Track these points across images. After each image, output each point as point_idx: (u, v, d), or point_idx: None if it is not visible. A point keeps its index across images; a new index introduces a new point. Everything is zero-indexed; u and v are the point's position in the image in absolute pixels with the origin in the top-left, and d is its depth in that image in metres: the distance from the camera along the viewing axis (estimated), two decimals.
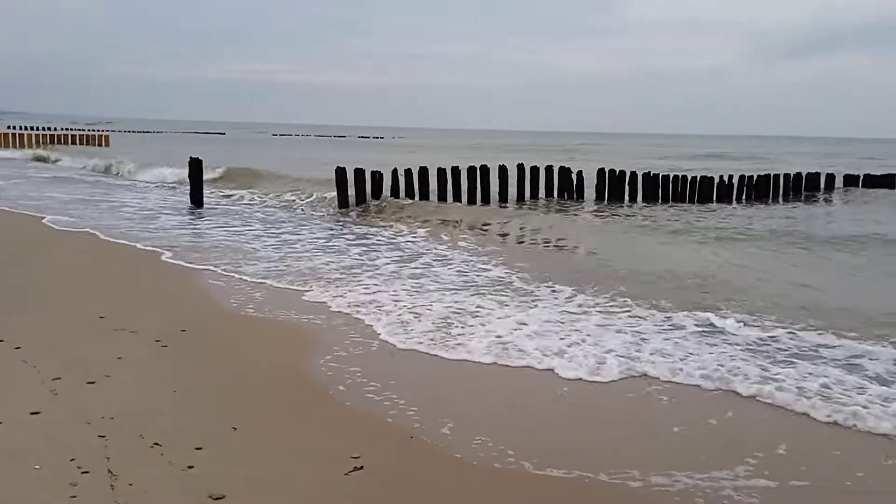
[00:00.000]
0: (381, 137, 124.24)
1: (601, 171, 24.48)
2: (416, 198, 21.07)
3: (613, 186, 24.20)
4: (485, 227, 17.51)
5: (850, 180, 31.71)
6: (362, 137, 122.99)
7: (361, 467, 4.91)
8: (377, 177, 20.81)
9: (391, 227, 17.34)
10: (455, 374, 7.10)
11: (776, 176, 27.72)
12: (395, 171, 21.24)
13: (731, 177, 26.29)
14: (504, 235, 16.70)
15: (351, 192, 20.52)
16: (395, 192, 21.13)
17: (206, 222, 17.57)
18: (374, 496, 4.60)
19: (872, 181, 31.64)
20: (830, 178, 30.25)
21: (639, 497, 4.73)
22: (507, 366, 7.23)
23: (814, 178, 29.26)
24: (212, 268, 11.57)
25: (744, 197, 26.05)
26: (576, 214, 21.27)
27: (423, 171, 21.53)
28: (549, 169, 23.97)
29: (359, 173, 20.72)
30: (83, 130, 76.64)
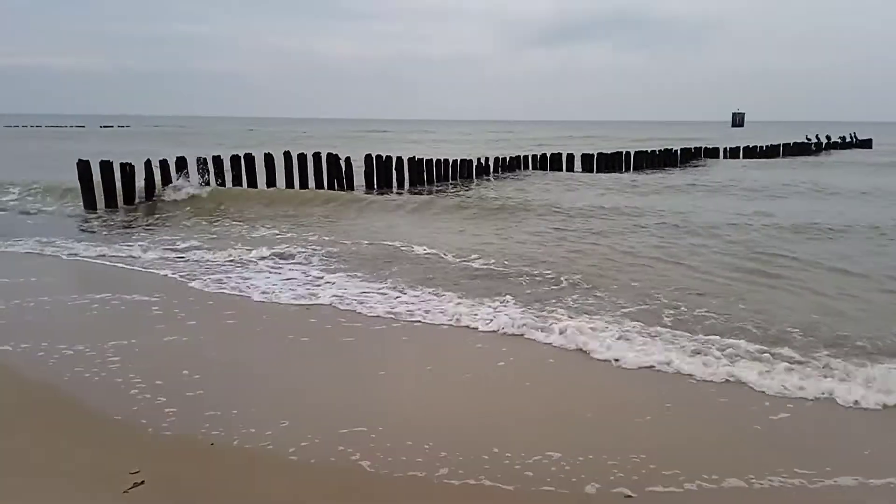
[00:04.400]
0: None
1: (368, 157, 24.80)
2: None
3: (381, 172, 24.63)
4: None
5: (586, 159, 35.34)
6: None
7: (142, 482, 4.60)
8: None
9: None
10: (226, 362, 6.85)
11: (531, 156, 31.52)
12: None
13: (487, 158, 29.04)
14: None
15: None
16: None
17: None
18: None
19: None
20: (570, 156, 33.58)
21: None
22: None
23: (557, 157, 32.37)
24: None
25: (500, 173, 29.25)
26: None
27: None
28: (316, 156, 23.69)
29: None
30: None
